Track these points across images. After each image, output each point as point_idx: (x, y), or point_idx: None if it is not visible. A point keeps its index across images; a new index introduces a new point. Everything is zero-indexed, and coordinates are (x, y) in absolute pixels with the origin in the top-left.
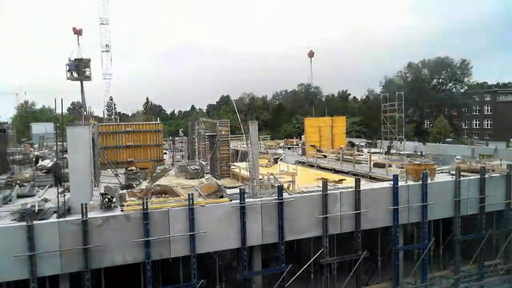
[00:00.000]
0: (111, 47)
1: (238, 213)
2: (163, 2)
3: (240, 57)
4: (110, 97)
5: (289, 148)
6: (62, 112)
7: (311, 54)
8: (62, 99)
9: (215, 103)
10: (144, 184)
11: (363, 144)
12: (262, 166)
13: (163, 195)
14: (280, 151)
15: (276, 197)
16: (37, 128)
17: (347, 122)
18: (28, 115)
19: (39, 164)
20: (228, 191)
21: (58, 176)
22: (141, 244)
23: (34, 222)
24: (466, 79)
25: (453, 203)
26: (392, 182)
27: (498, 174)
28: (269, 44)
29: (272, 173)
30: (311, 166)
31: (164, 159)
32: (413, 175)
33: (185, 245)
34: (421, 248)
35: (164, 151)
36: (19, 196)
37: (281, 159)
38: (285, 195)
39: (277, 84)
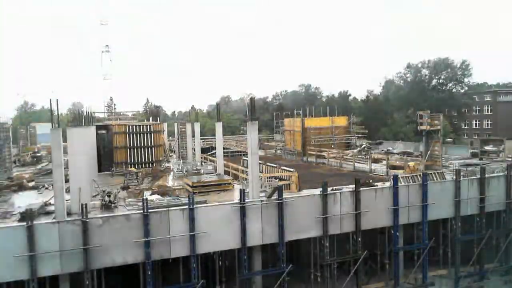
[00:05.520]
0: (110, 47)
1: (238, 213)
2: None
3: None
4: (110, 97)
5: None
6: (58, 113)
7: None
8: (57, 100)
9: (214, 103)
10: (144, 185)
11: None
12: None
13: None
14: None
15: (276, 197)
16: (43, 128)
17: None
18: (27, 115)
19: None
20: None
21: None
22: (141, 244)
23: (34, 222)
24: (466, 80)
25: (453, 203)
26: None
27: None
28: None
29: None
30: None
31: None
32: None
33: (185, 245)
34: (421, 248)
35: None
36: None
37: None
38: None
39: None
